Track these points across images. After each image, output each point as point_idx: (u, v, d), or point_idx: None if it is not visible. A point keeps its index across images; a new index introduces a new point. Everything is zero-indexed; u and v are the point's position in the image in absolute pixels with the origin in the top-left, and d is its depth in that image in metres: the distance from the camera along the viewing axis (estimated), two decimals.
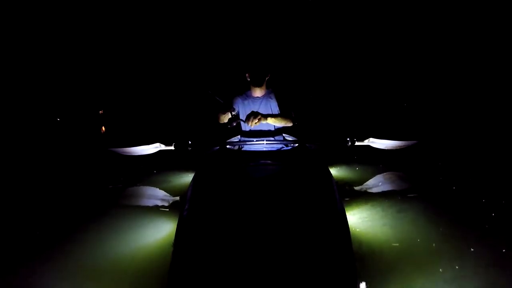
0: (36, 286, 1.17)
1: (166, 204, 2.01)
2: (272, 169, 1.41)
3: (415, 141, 2.29)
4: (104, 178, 2.72)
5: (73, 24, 7.23)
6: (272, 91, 1.96)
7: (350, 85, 7.99)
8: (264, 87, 1.93)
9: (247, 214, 0.97)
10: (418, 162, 2.94)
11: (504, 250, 1.30)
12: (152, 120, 6.65)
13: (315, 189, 1.17)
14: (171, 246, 0.92)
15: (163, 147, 2.28)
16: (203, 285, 0.76)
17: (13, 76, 6.45)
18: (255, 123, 1.64)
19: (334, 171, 2.68)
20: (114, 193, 2.28)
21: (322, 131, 4.92)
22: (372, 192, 2.16)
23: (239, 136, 2.06)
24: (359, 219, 1.66)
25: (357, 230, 1.53)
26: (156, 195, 2.19)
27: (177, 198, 2.05)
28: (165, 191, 2.23)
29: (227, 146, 1.84)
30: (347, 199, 1.92)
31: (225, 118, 1.84)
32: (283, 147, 1.83)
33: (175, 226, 1.05)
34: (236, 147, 1.80)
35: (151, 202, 2.10)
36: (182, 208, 1.11)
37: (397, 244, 1.38)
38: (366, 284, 1.09)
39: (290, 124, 1.88)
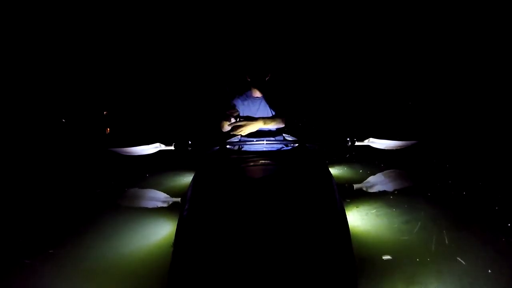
0: (36, 286, 1.17)
1: (166, 204, 2.01)
2: (272, 169, 1.41)
3: (415, 141, 2.29)
4: (104, 178, 2.72)
5: (79, 27, 7.27)
6: (272, 91, 1.96)
7: (350, 85, 7.98)
8: (263, 87, 1.94)
9: (247, 214, 0.97)
10: (418, 162, 2.95)
11: (506, 248, 1.30)
12: (152, 120, 6.67)
13: (315, 189, 1.17)
14: (171, 246, 0.92)
15: (163, 147, 2.28)
16: (203, 285, 0.76)
17: (19, 77, 6.47)
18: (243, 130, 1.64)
19: (334, 171, 2.68)
20: (114, 193, 2.28)
21: (322, 131, 4.92)
22: (372, 192, 2.16)
23: (239, 136, 2.06)
24: (359, 219, 1.66)
25: (357, 230, 1.53)
26: (156, 195, 2.19)
27: (177, 198, 2.05)
28: (165, 191, 2.23)
29: (227, 146, 1.84)
30: (348, 200, 1.92)
31: (229, 127, 1.81)
32: (283, 147, 1.83)
33: (175, 226, 1.05)
34: (236, 147, 1.80)
35: (151, 202, 2.11)
36: (182, 208, 1.11)
37: (398, 244, 1.38)
38: (366, 284, 1.09)
39: (282, 125, 1.86)
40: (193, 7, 7.74)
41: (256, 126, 1.69)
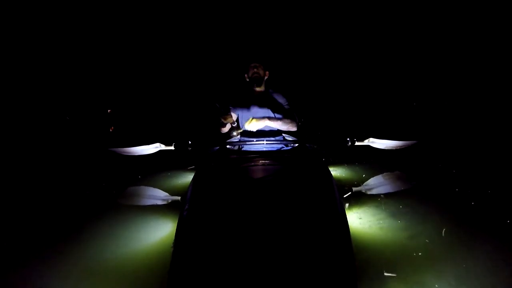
0: (36, 286, 1.17)
1: (166, 204, 2.01)
2: (272, 169, 1.41)
3: (415, 141, 2.29)
4: (104, 178, 2.72)
5: (84, 27, 7.30)
6: (272, 91, 1.96)
7: (351, 85, 7.98)
8: (263, 86, 1.94)
9: (247, 214, 0.97)
10: (418, 162, 2.94)
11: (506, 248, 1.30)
12: (153, 120, 6.67)
13: (315, 189, 1.17)
14: (171, 246, 0.92)
15: (163, 147, 2.28)
16: (203, 285, 0.76)
17: (24, 76, 6.48)
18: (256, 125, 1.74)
19: (334, 171, 2.68)
20: (114, 193, 2.28)
21: (322, 131, 4.92)
22: (372, 192, 2.16)
23: (239, 136, 2.06)
24: (359, 219, 1.66)
25: (357, 230, 1.53)
26: (156, 195, 2.19)
27: (177, 198, 2.05)
28: (165, 191, 2.23)
29: (227, 146, 1.84)
30: (347, 203, 1.91)
31: (226, 129, 1.93)
32: (283, 147, 1.83)
33: (175, 226, 1.05)
34: (236, 147, 1.80)
35: (151, 202, 2.10)
36: (182, 208, 1.11)
37: (398, 244, 1.38)
38: (366, 285, 1.09)
39: (294, 129, 1.88)
40: (193, 7, 7.75)
41: (263, 123, 1.79)
